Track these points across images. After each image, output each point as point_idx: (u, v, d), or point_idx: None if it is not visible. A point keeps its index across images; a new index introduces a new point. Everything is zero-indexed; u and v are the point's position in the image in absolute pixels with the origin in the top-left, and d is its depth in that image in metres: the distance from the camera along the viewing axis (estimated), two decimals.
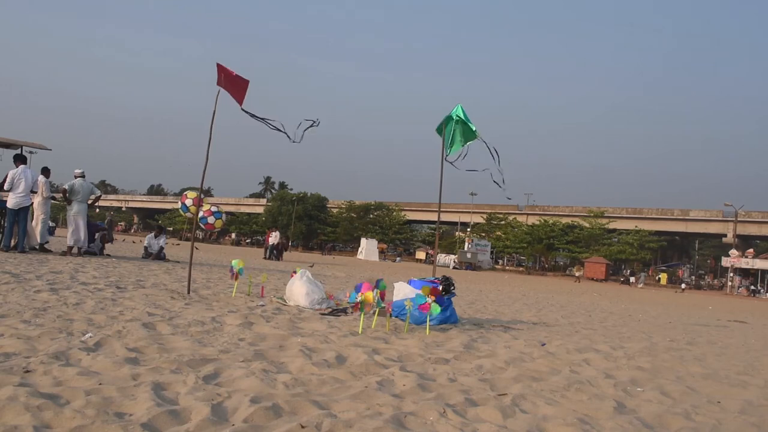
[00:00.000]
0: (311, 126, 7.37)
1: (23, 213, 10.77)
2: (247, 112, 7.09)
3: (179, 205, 23.93)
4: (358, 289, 5.45)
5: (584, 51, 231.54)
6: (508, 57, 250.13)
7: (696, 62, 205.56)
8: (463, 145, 7.22)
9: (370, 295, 5.38)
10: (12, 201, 10.66)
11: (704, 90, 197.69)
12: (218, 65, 6.92)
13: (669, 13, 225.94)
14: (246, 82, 6.96)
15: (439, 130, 7.45)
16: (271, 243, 26.69)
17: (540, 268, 68.09)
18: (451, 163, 7.46)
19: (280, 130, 7.25)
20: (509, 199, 8.55)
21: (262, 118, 7.19)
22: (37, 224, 11.51)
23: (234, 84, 6.96)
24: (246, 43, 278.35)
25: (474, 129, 7.11)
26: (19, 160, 11.25)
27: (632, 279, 55.57)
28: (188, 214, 22.65)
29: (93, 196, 11.76)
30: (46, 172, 11.59)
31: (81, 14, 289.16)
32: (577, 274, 51.05)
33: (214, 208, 23.16)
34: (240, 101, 7.06)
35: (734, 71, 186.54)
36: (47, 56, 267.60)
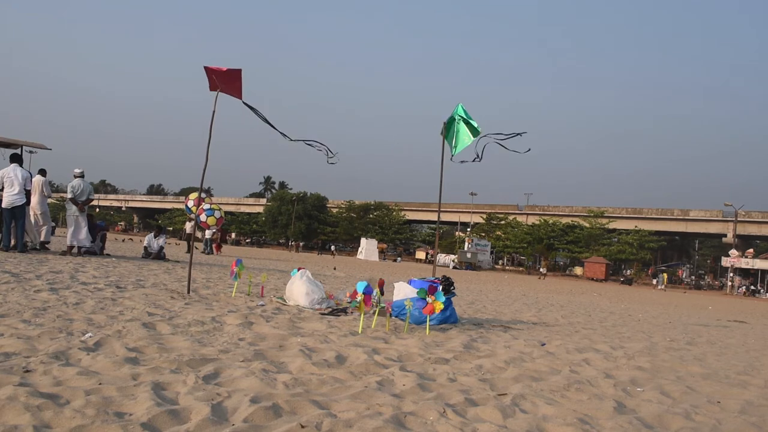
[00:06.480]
0: (327, 153, 7.49)
1: (19, 212, 10.63)
2: (248, 105, 7.09)
3: (184, 207, 23.92)
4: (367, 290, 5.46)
5: (584, 52, 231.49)
6: (506, 58, 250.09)
7: (694, 62, 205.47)
8: (467, 144, 7.20)
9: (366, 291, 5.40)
10: (5, 201, 10.57)
11: (704, 90, 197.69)
12: (206, 68, 6.86)
13: (671, 13, 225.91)
14: (238, 72, 6.89)
15: (442, 133, 7.44)
16: (207, 237, 25.67)
17: (540, 268, 68.12)
18: (461, 162, 7.45)
19: (284, 134, 7.29)
20: (520, 135, 7.21)
21: (264, 118, 7.19)
22: (38, 222, 11.49)
23: (228, 80, 6.89)
24: (249, 46, 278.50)
25: (476, 126, 7.10)
26: (13, 159, 11.09)
27: (654, 281, 54.73)
28: (192, 215, 22.66)
29: (85, 198, 11.60)
30: (43, 172, 11.60)
31: (84, 15, 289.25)
32: (542, 271, 50.86)
33: (206, 206, 23.11)
34: (239, 96, 7.03)
35: (734, 72, 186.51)
36: (50, 57, 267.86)
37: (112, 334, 4.03)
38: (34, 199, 11.38)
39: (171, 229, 74.14)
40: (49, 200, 12.06)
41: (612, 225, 66.26)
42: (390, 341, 4.87)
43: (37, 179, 11.50)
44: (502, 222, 70.74)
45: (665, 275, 57.82)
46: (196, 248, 23.91)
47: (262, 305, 6.37)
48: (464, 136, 7.16)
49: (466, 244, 62.04)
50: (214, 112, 6.98)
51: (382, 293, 5.80)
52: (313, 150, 7.55)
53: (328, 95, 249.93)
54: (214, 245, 25.32)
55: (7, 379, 2.77)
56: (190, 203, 22.10)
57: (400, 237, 79.45)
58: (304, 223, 77.00)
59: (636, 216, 70.29)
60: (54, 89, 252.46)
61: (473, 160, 7.47)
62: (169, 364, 3.34)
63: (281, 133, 7.35)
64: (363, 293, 5.34)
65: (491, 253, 64.88)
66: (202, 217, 22.45)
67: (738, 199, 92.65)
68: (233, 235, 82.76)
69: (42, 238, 11.65)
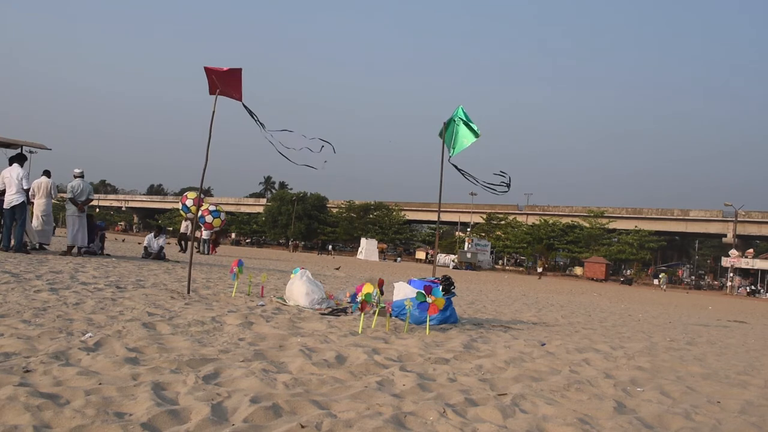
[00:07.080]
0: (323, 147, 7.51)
1: (19, 211, 10.59)
2: (248, 109, 7.08)
3: (180, 206, 23.87)
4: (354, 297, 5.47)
5: (583, 52, 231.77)
6: (506, 58, 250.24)
7: (694, 62, 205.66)
8: (466, 146, 7.21)
9: (370, 287, 5.38)
10: (5, 201, 10.54)
11: (704, 90, 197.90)
12: (206, 69, 6.86)
13: (670, 13, 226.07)
14: (238, 72, 6.89)
15: (441, 134, 7.44)
16: (204, 238, 25.39)
17: (537, 268, 68.13)
18: (454, 166, 7.43)
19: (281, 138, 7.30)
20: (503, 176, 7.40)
21: (262, 123, 7.19)
22: (46, 223, 11.47)
23: (228, 81, 6.89)
24: (249, 46, 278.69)
25: (476, 128, 7.11)
26: (14, 160, 11.02)
27: (655, 281, 54.34)
28: (189, 215, 22.64)
29: (85, 198, 11.55)
30: (47, 173, 11.57)
31: (85, 15, 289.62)
32: (539, 270, 50.82)
33: (212, 207, 23.11)
34: (239, 97, 7.03)
35: (734, 72, 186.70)
36: (50, 57, 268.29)
37: (112, 334, 4.03)
38: (41, 201, 11.34)
39: (171, 229, 74.11)
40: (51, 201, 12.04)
41: (612, 225, 66.28)
42: (390, 341, 4.88)
43: (45, 182, 11.43)
44: (502, 222, 70.76)
45: (665, 275, 57.78)
46: (196, 248, 23.89)
47: (262, 305, 6.37)
48: (463, 138, 7.17)
49: (466, 244, 62.05)
50: (213, 113, 6.99)
51: (382, 293, 5.80)
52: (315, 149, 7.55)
53: (328, 95, 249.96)
54: (210, 245, 25.29)
55: (7, 379, 2.77)
56: (189, 202, 22.10)
57: (400, 237, 79.45)
58: (304, 223, 76.98)
59: (636, 216, 70.30)
60: (54, 89, 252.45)
61: (499, 191, 7.57)
62: (169, 364, 3.34)
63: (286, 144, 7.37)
64: (364, 296, 5.35)
65: (491, 253, 64.88)
66: (208, 218, 22.46)
67: (738, 199, 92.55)
68: (233, 235, 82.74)
69: (39, 240, 11.62)
